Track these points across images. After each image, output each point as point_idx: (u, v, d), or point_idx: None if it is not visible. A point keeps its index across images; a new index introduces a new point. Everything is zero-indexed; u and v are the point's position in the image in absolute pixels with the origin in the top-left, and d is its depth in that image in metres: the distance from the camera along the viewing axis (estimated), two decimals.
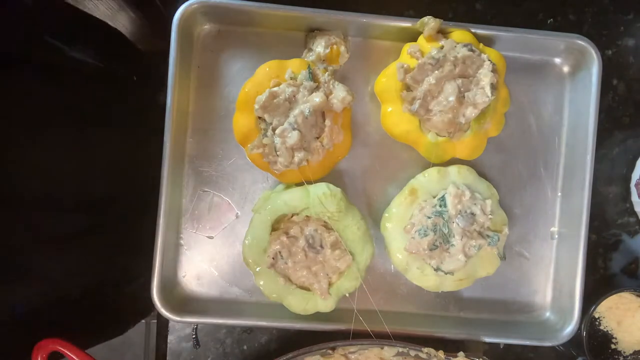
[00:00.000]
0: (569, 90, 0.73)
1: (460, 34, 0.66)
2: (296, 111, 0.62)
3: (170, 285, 0.69)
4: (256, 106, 0.63)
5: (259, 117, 0.64)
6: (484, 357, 0.66)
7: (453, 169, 0.68)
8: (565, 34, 0.69)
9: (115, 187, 0.75)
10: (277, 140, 0.62)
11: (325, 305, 0.66)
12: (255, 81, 0.65)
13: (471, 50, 0.64)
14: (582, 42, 0.68)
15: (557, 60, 0.73)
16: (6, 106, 0.58)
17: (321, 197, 0.65)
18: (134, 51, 0.78)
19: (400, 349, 0.66)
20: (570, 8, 0.73)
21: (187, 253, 0.70)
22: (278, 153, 0.63)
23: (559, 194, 0.73)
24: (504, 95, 0.68)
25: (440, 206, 0.66)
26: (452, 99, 0.63)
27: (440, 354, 0.65)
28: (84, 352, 0.62)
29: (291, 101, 0.63)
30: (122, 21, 0.74)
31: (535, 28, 0.69)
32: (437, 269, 0.67)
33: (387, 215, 0.68)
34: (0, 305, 0.62)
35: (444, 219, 0.66)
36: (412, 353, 0.66)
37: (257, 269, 0.65)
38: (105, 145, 0.72)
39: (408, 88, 0.66)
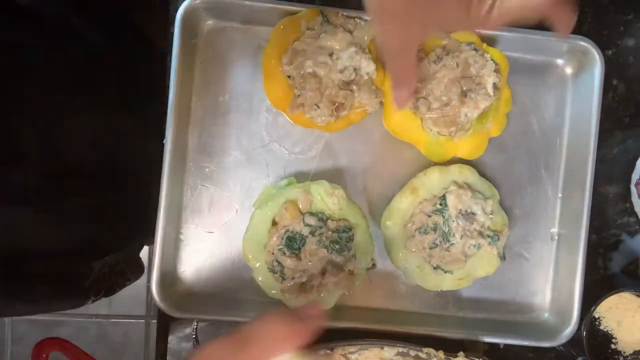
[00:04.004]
0: (571, 92, 0.73)
1: (463, 34, 0.66)
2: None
3: (170, 281, 0.69)
4: (284, 66, 0.63)
5: (289, 77, 0.64)
6: (484, 357, 0.66)
7: (454, 168, 0.68)
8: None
9: (114, 151, 0.76)
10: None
11: (324, 302, 0.66)
12: (274, 43, 0.65)
13: (474, 49, 0.64)
14: (585, 44, 0.68)
15: (560, 61, 0.73)
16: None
17: (322, 194, 0.65)
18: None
19: (400, 349, 0.66)
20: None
21: (187, 248, 0.70)
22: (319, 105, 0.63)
23: (560, 195, 0.73)
24: (506, 96, 0.68)
25: (441, 205, 0.66)
26: (454, 97, 0.63)
27: (440, 354, 0.65)
28: (84, 351, 0.62)
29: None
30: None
31: (535, 28, 0.69)
32: (436, 268, 0.66)
33: (387, 213, 0.68)
34: None
35: (444, 217, 0.66)
36: (412, 353, 0.66)
37: (257, 265, 0.65)
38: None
39: None
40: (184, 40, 0.66)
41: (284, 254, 0.63)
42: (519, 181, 0.72)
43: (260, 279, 0.66)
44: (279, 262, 0.64)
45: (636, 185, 0.72)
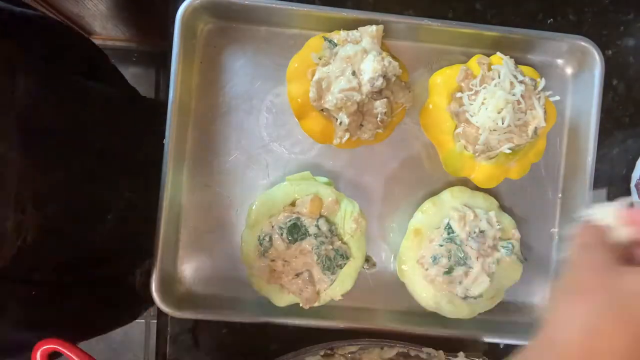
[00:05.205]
0: (571, 92, 0.73)
1: (528, 68, 0.67)
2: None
3: (170, 281, 0.69)
4: (314, 103, 0.63)
5: (322, 110, 0.64)
6: (484, 357, 0.66)
7: (446, 194, 0.68)
8: (567, 35, 0.69)
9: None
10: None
11: (277, 299, 0.66)
12: (294, 83, 0.64)
13: (535, 88, 0.63)
14: (585, 44, 0.69)
15: (560, 61, 0.73)
16: None
17: (348, 213, 0.65)
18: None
19: (400, 349, 0.66)
20: (570, 8, 0.74)
21: (187, 248, 0.70)
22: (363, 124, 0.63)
23: (560, 195, 0.73)
24: (539, 147, 0.68)
25: (449, 233, 0.66)
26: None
27: (441, 354, 0.65)
28: (84, 351, 0.62)
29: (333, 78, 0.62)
30: (124, 20, 0.74)
31: (535, 28, 0.70)
32: (465, 297, 0.66)
33: (399, 260, 0.68)
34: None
35: (456, 244, 0.65)
36: (412, 353, 0.66)
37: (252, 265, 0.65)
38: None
39: (460, 92, 0.65)
40: (184, 40, 0.66)
41: (281, 234, 0.63)
42: (518, 182, 0.72)
43: (245, 239, 0.65)
44: (270, 238, 0.63)
45: (636, 185, 0.72)
